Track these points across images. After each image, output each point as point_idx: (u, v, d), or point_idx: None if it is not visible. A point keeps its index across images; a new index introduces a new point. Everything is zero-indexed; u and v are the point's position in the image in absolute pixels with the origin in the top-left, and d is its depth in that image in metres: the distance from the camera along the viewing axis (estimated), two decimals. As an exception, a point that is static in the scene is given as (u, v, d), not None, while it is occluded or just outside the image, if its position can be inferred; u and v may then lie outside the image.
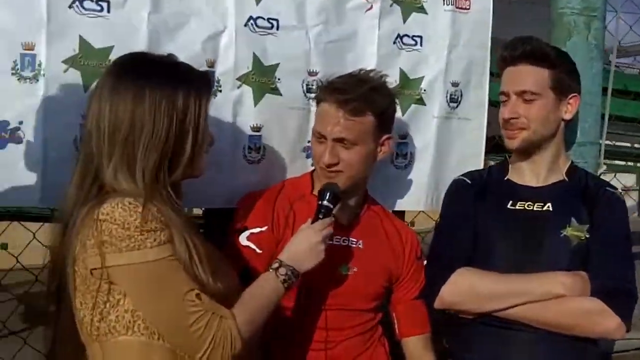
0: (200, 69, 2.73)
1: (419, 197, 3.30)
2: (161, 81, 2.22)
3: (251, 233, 2.72)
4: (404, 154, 3.24)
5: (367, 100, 2.68)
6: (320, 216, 2.55)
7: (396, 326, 2.96)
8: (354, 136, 2.69)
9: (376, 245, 2.89)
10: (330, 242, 2.64)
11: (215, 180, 2.84)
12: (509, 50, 2.87)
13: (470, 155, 3.33)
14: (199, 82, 2.31)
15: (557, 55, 2.89)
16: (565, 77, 2.85)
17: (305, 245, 2.47)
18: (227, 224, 2.81)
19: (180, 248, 2.16)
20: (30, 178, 2.55)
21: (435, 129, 3.27)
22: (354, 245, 2.84)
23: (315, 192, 2.73)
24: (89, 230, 2.13)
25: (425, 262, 2.97)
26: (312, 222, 2.53)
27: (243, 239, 2.72)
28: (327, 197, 2.58)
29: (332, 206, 2.58)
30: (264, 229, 2.73)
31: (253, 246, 2.71)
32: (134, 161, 2.18)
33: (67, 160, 2.40)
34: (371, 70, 2.83)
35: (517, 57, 2.84)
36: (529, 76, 2.82)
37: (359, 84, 2.71)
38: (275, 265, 2.42)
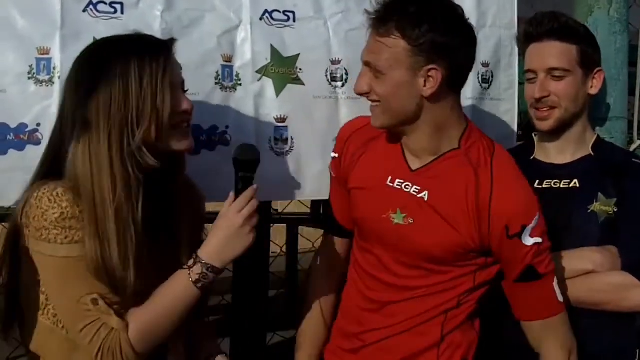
0: (217, 64, 2.81)
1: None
2: (115, 55, 2.25)
3: (332, 157, 2.78)
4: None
5: (400, 21, 2.39)
6: (240, 187, 2.33)
7: None
8: (378, 61, 2.44)
9: (448, 199, 2.50)
10: (391, 184, 2.56)
11: (241, 173, 2.88)
12: (535, 26, 2.85)
13: (504, 137, 3.25)
14: (154, 46, 2.30)
15: (583, 30, 2.87)
16: (590, 52, 2.82)
17: (225, 234, 2.27)
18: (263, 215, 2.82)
19: (90, 246, 2.16)
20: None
21: (469, 110, 3.21)
22: (416, 195, 2.53)
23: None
24: (27, 207, 2.20)
25: (533, 240, 2.47)
26: (235, 198, 2.31)
27: (330, 162, 2.80)
28: (241, 166, 2.36)
29: (250, 174, 2.35)
30: (337, 155, 2.74)
31: (331, 169, 2.80)
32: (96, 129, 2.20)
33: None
34: None
35: (543, 33, 2.82)
36: (557, 52, 2.79)
37: (401, 6, 2.43)
38: (190, 262, 2.27)
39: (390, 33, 2.40)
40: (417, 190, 2.52)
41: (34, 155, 2.55)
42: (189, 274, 2.24)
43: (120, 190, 2.19)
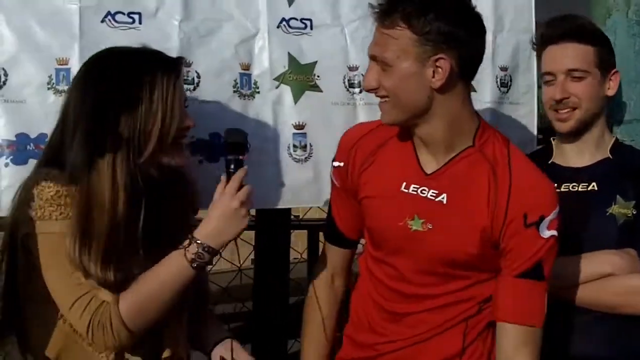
0: (235, 72, 2.83)
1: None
2: (126, 67, 2.28)
3: (334, 166, 2.67)
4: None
5: (405, 11, 2.32)
6: (232, 170, 2.35)
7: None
8: (384, 53, 2.36)
9: (467, 200, 2.43)
10: (406, 190, 2.48)
11: (260, 181, 2.85)
12: (552, 29, 2.86)
13: (524, 140, 3.26)
14: (167, 64, 2.33)
15: (599, 31, 2.88)
16: (606, 53, 2.83)
17: (222, 216, 2.29)
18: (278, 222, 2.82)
19: (69, 243, 2.16)
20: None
21: (488, 114, 3.21)
22: (434, 199, 2.45)
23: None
24: (27, 196, 2.23)
25: (549, 232, 2.39)
26: (227, 182, 2.33)
27: (332, 170, 2.68)
28: (231, 148, 2.39)
29: (240, 157, 2.38)
30: (341, 164, 2.63)
31: (333, 179, 2.68)
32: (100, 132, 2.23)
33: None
34: None
35: (561, 35, 2.81)
36: (576, 54, 2.79)
37: None
38: (186, 242, 2.28)
39: (395, 24, 2.34)
40: (434, 195, 2.45)
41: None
42: (185, 253, 2.25)
43: (122, 201, 2.22)
